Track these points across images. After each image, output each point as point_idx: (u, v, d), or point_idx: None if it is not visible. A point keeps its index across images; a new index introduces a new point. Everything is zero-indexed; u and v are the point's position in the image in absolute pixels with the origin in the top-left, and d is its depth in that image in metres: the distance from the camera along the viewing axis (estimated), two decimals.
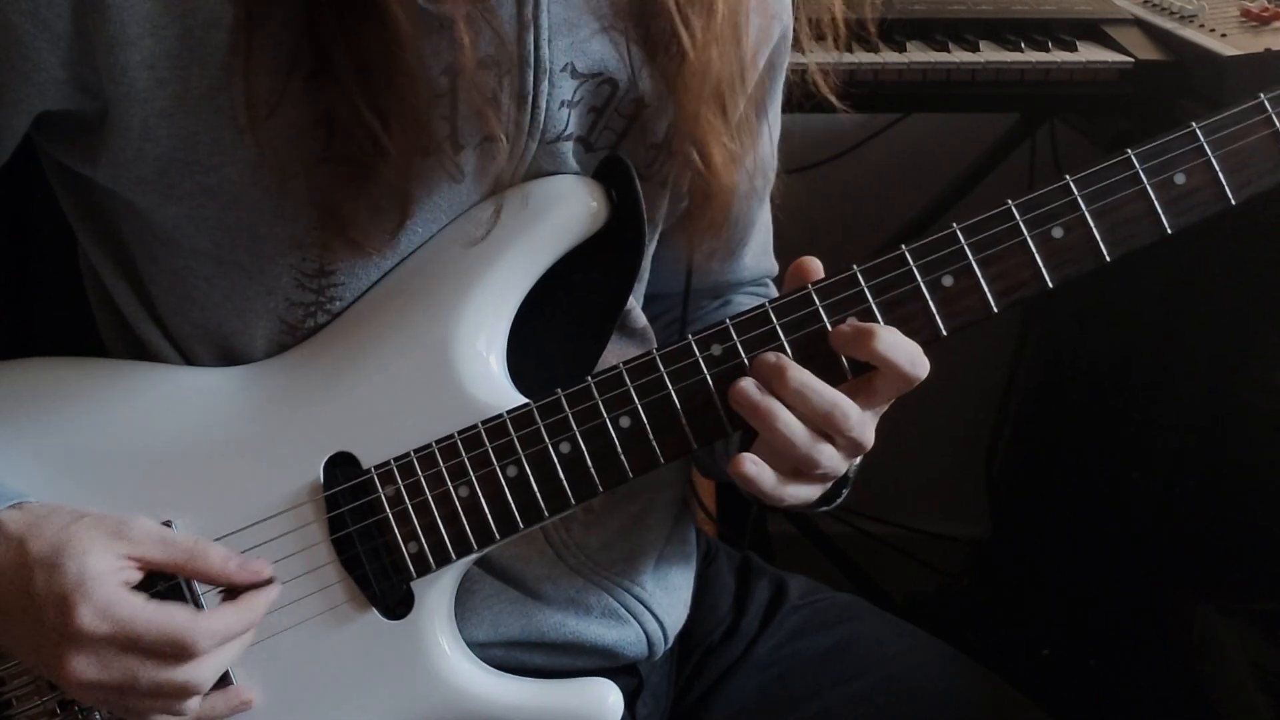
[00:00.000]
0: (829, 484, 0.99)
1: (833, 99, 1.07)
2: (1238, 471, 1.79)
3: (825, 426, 0.92)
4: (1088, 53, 1.74)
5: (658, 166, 1.04)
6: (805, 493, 0.97)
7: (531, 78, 0.95)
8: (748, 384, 0.92)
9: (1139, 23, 1.82)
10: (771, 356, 0.93)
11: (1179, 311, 1.83)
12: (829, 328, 0.93)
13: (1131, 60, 1.72)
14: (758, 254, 1.22)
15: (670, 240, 1.10)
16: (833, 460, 0.94)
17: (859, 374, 0.94)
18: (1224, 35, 1.69)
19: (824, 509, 1.08)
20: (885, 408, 0.96)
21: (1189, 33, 1.73)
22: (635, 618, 1.09)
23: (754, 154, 1.07)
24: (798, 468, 0.94)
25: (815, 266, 0.95)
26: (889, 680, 1.17)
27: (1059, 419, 2.18)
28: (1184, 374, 1.87)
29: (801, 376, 0.92)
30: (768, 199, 1.18)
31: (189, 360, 1.01)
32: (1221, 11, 1.78)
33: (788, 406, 0.92)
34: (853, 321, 0.93)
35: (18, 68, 0.88)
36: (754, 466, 0.93)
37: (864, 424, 0.93)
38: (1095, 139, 1.96)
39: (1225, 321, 1.80)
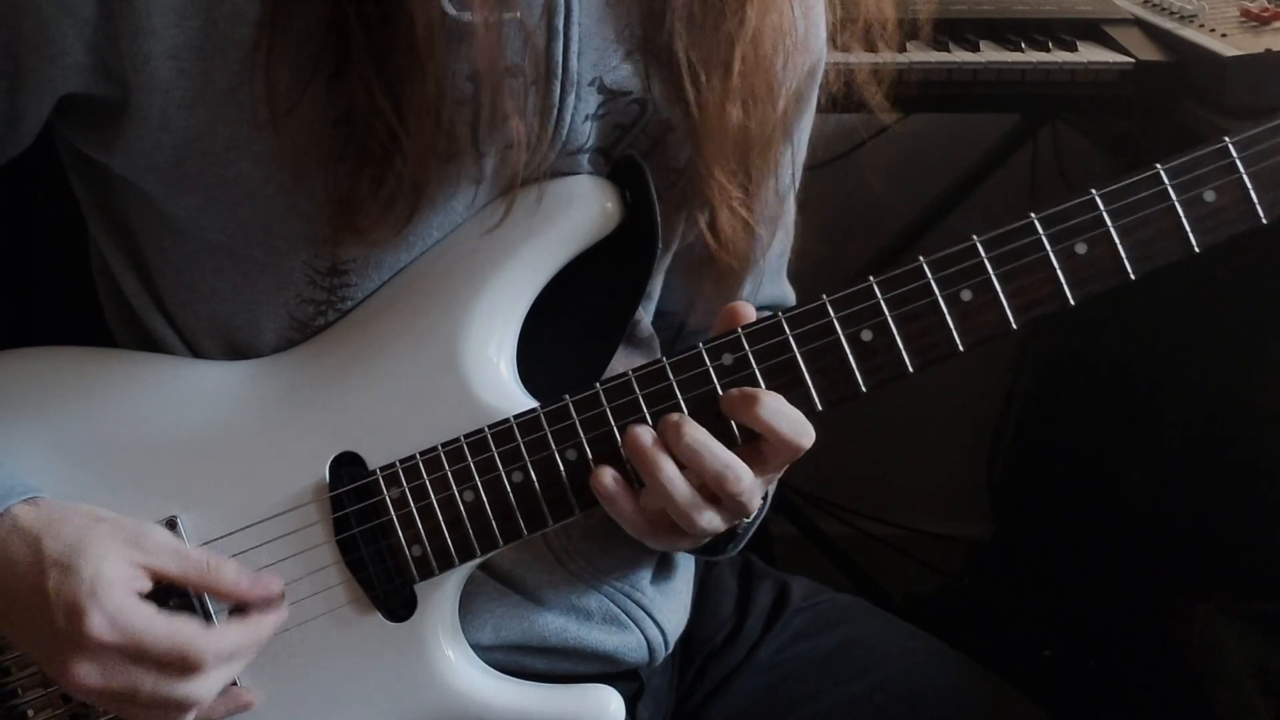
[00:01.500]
0: (701, 541, 0.99)
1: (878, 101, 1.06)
2: (1238, 472, 1.79)
3: (716, 487, 0.92)
4: (1088, 53, 1.74)
5: (676, 190, 1.02)
6: (671, 543, 0.97)
7: (558, 89, 0.95)
8: (642, 431, 0.92)
9: (1139, 23, 1.82)
10: (674, 416, 0.92)
11: (1179, 312, 1.83)
12: (843, 341, 0.92)
13: (1132, 60, 1.72)
14: (764, 283, 1.19)
15: (680, 269, 1.10)
16: (711, 523, 0.93)
17: (749, 441, 0.93)
18: (1224, 35, 1.69)
19: (712, 558, 1.10)
20: (775, 476, 0.97)
21: (1189, 33, 1.73)
22: (636, 623, 1.09)
23: (772, 227, 1.06)
24: (672, 521, 0.93)
25: (747, 312, 0.94)
26: (890, 681, 1.17)
27: (1060, 419, 2.18)
28: (1184, 374, 1.87)
29: (697, 434, 0.91)
30: (786, 226, 1.15)
31: (195, 353, 1.01)
32: (1221, 11, 1.78)
33: (680, 463, 0.91)
34: (742, 388, 0.92)
35: (42, 52, 0.88)
36: (614, 485, 0.92)
37: (754, 490, 0.93)
38: (1096, 140, 1.97)
39: (1225, 322, 1.80)
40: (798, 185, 1.13)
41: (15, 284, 1.19)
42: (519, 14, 0.91)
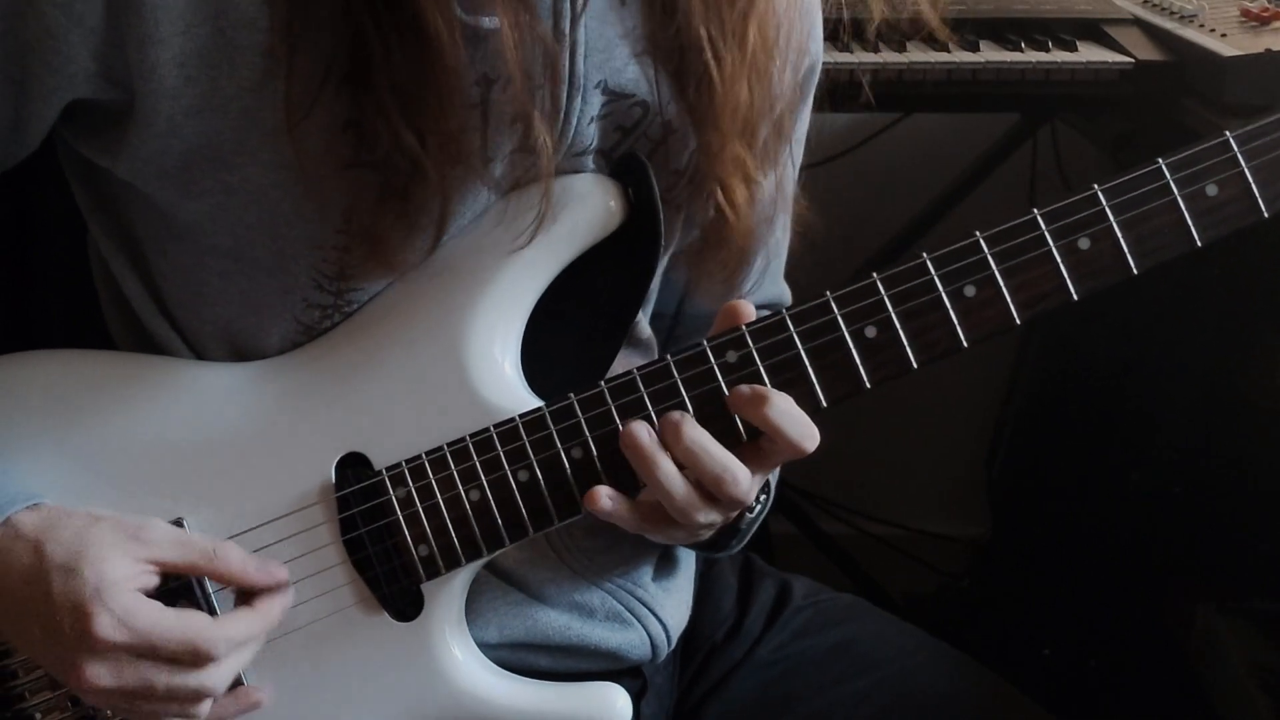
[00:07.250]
0: (700, 536, 0.99)
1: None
2: (1238, 471, 1.79)
3: (714, 488, 0.92)
4: (1088, 53, 1.75)
5: (677, 192, 1.03)
6: (675, 538, 0.97)
7: (565, 93, 0.95)
8: (639, 428, 0.92)
9: (1139, 23, 1.82)
10: (675, 415, 0.92)
11: (1179, 311, 1.83)
12: (847, 338, 0.92)
13: (1132, 60, 1.73)
14: (764, 281, 1.19)
15: (677, 265, 1.10)
16: (707, 518, 0.94)
17: (754, 438, 0.93)
18: (1224, 35, 1.70)
19: (716, 554, 1.10)
20: (772, 470, 0.97)
21: (1189, 33, 1.74)
22: (638, 620, 1.09)
23: (773, 210, 1.06)
24: (671, 518, 0.94)
25: (747, 310, 0.94)
26: (889, 680, 1.17)
27: (1059, 419, 2.18)
28: (1184, 374, 1.87)
29: (696, 435, 0.91)
30: (784, 225, 1.16)
31: (199, 356, 1.01)
32: (1221, 11, 1.78)
33: (679, 463, 0.91)
34: (753, 386, 0.92)
35: (49, 61, 0.88)
36: (609, 502, 0.92)
37: (751, 490, 0.94)
38: (1095, 139, 1.97)
39: (1225, 321, 1.80)
40: (797, 184, 1.13)
41: (15, 287, 1.19)
42: (534, 14, 0.91)
